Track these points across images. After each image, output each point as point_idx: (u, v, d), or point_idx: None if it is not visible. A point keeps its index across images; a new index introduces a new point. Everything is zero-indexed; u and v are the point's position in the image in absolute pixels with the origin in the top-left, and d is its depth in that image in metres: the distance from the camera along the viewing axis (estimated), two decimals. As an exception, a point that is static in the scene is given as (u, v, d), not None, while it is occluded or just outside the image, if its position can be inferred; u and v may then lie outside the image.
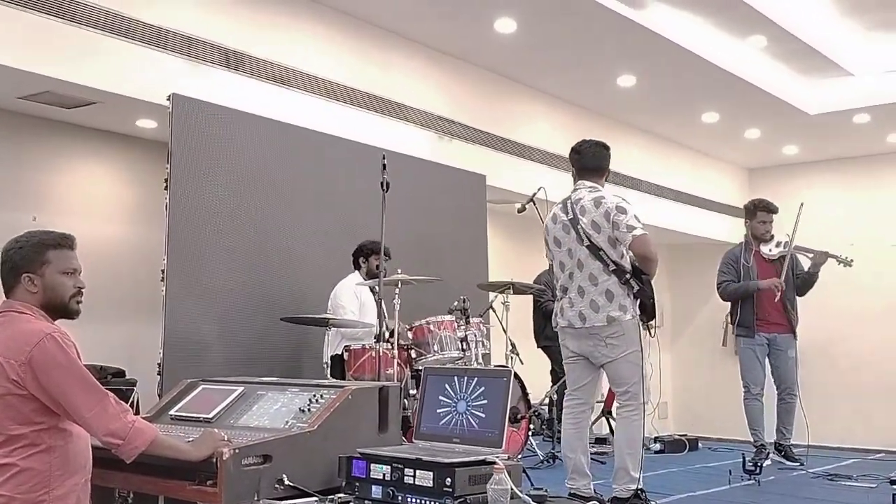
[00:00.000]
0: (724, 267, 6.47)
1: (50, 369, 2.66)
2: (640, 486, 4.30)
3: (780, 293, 6.21)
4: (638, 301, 4.35)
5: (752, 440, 6.38)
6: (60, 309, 2.86)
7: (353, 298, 5.84)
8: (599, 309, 4.34)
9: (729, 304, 6.63)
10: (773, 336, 6.37)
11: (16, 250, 2.83)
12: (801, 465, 6.26)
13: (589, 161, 4.63)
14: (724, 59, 8.27)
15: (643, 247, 4.27)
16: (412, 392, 5.27)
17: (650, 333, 4.54)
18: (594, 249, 4.35)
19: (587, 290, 4.38)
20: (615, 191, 9.29)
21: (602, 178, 4.63)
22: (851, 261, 6.42)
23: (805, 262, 6.57)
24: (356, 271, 6.02)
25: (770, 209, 6.50)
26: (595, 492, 4.48)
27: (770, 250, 6.42)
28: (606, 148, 4.69)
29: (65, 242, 2.89)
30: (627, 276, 4.33)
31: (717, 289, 6.46)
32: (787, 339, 6.39)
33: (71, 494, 2.74)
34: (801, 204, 6.34)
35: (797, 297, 6.50)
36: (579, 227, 4.40)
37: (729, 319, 6.58)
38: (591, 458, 4.74)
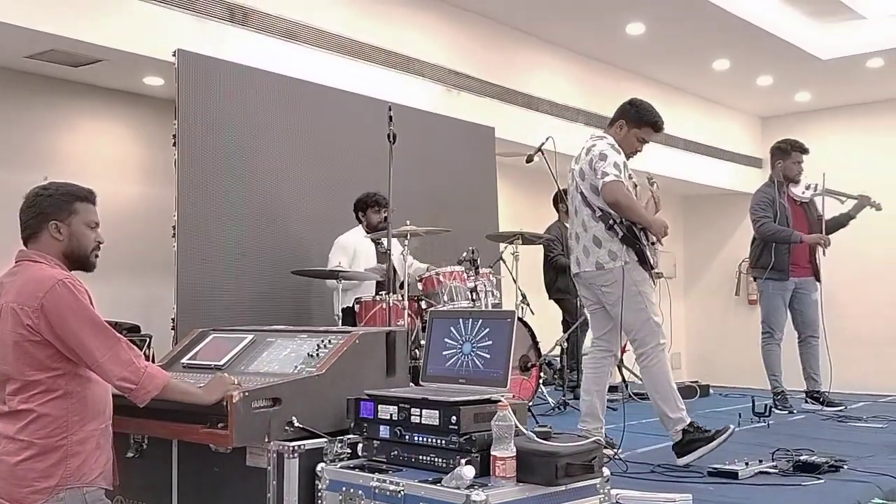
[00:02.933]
0: (761, 205, 6.30)
1: (62, 314, 2.71)
2: (687, 423, 4.32)
3: (825, 248, 6.19)
4: (633, 249, 4.34)
5: (770, 387, 6.34)
6: (81, 260, 2.92)
7: (340, 253, 5.84)
8: (590, 255, 4.39)
9: (752, 247, 6.50)
10: (801, 280, 6.31)
11: (45, 197, 2.88)
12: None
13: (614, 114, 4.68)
14: (733, 4, 8.17)
15: (610, 194, 4.25)
16: (423, 343, 5.31)
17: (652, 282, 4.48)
18: (583, 196, 4.41)
19: (581, 236, 4.45)
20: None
21: (615, 128, 4.60)
22: (880, 205, 6.40)
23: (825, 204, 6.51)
24: (359, 225, 6.05)
25: (803, 150, 6.42)
26: (606, 436, 4.52)
27: (802, 192, 6.36)
28: (630, 102, 4.68)
29: (90, 197, 2.97)
30: (611, 222, 4.34)
31: (756, 225, 6.27)
32: (811, 283, 6.35)
33: (90, 439, 2.80)
34: (824, 174, 6.31)
35: None
36: (575, 174, 4.47)
37: (754, 263, 6.43)
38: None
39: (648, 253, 4.36)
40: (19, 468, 2.68)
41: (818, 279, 6.39)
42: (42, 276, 2.76)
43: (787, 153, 6.40)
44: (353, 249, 5.91)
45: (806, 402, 6.36)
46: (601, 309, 4.54)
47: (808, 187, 6.38)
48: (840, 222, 6.46)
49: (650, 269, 4.41)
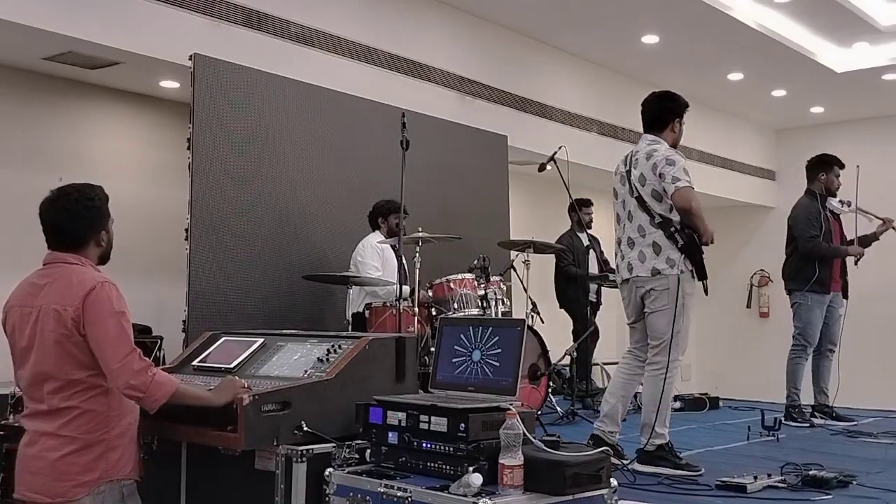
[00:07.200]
0: (810, 222, 6.28)
1: (97, 314, 2.76)
2: (666, 441, 4.31)
3: (858, 260, 6.33)
4: (691, 259, 4.29)
5: (789, 399, 6.28)
6: (106, 259, 3.02)
7: (376, 255, 5.89)
8: (646, 260, 4.33)
9: (789, 259, 6.49)
10: (834, 294, 6.36)
11: (95, 208, 2.93)
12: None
13: (648, 114, 4.55)
14: (747, 15, 8.17)
15: (683, 199, 4.19)
16: (433, 349, 5.31)
17: (705, 292, 4.45)
18: (641, 201, 4.34)
19: (636, 241, 4.38)
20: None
21: (664, 129, 4.48)
22: None
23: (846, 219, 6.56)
24: (376, 231, 6.06)
25: (842, 165, 6.52)
26: (617, 444, 4.50)
27: (840, 206, 6.40)
28: (667, 98, 4.56)
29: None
30: (672, 229, 4.29)
31: (807, 242, 6.24)
32: (840, 298, 6.40)
33: (127, 433, 2.90)
34: (858, 166, 6.30)
35: None
36: (631, 178, 4.41)
37: (794, 275, 6.39)
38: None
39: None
40: (61, 463, 2.75)
41: (846, 295, 6.42)
42: (85, 279, 2.83)
43: (830, 166, 6.45)
44: (384, 254, 5.93)
45: (814, 415, 6.32)
46: (641, 322, 4.50)
47: (842, 202, 6.40)
48: (867, 241, 6.47)
49: (704, 278, 4.36)
